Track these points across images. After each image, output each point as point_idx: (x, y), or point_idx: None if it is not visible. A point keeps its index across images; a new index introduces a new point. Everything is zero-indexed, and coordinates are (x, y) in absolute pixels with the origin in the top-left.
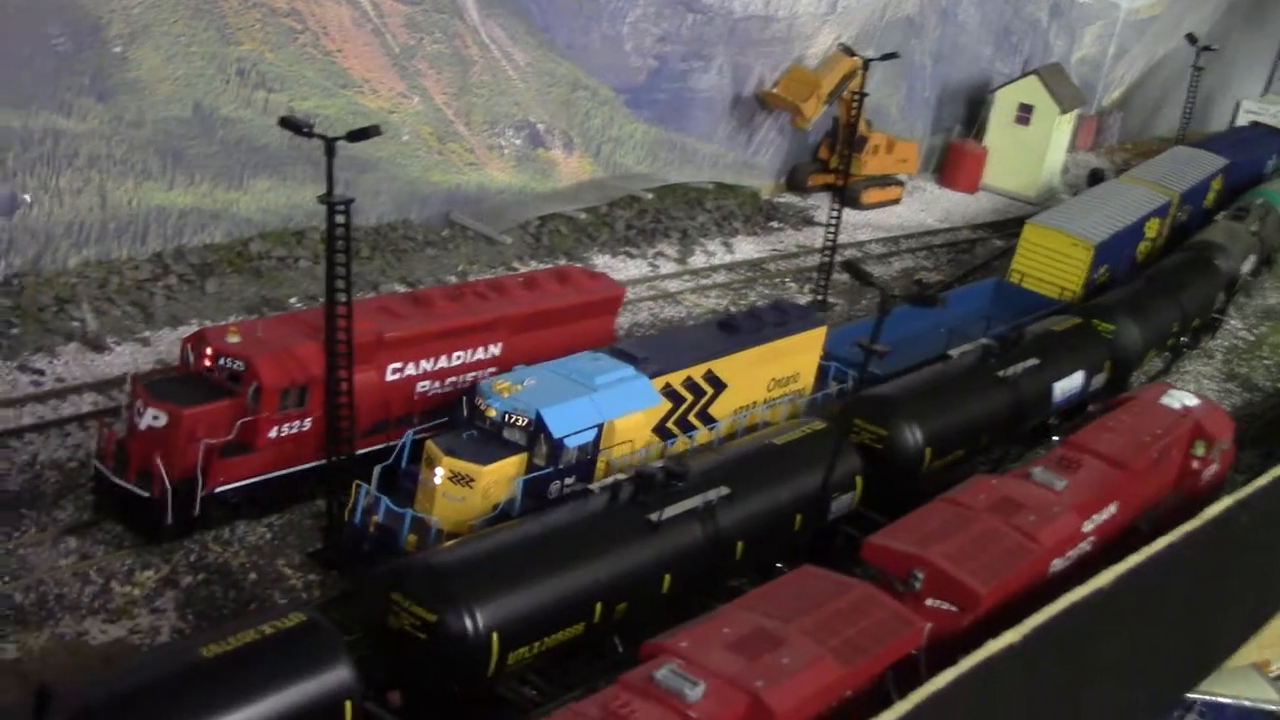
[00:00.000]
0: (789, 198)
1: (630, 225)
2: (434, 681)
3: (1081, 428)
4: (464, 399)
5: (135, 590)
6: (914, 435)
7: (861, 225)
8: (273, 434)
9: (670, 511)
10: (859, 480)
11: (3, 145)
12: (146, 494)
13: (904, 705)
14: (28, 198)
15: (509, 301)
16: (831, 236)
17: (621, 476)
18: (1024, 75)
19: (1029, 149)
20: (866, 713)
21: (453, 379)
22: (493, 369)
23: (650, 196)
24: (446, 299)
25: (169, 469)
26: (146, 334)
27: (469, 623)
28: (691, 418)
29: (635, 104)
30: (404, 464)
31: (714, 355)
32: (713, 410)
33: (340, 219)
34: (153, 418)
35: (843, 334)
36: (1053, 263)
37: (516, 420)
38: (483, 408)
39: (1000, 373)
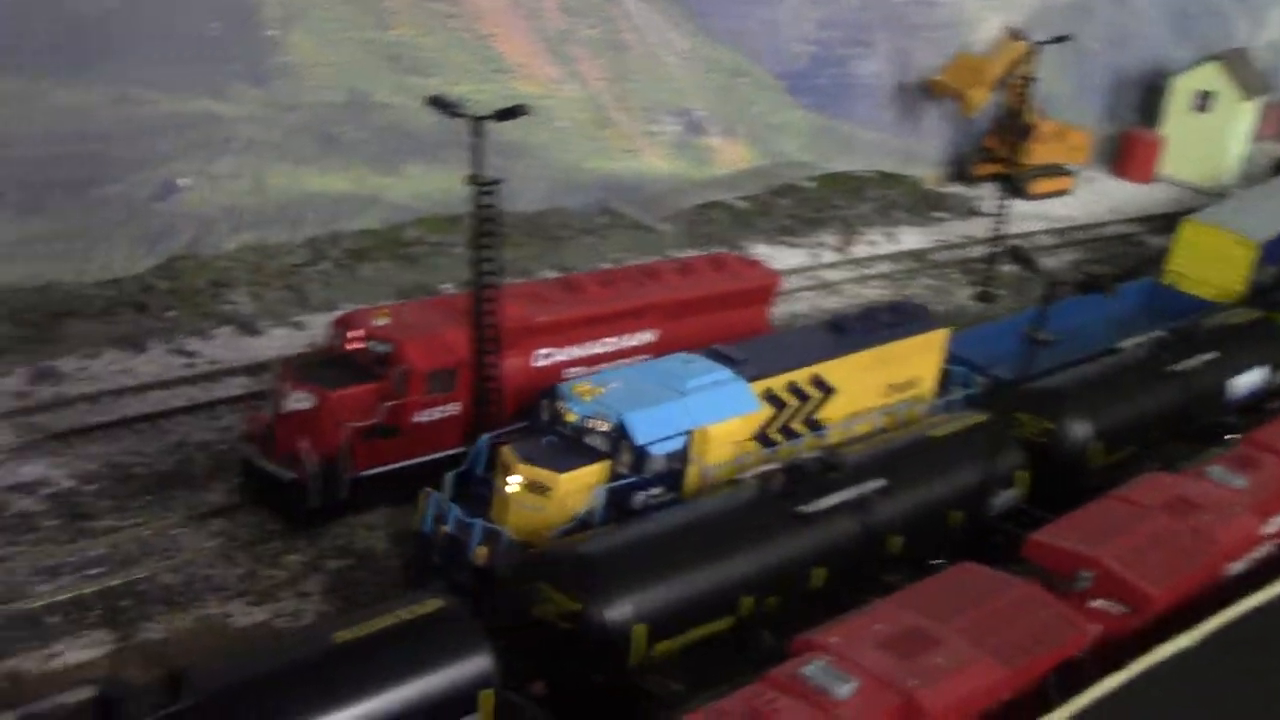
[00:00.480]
0: (954, 188)
1: (790, 214)
2: (577, 671)
3: (1263, 425)
4: (543, 402)
5: (280, 573)
6: (1082, 430)
7: (1029, 216)
8: (419, 418)
9: (823, 504)
10: (1021, 476)
11: (159, 130)
12: (292, 477)
13: (1067, 710)
14: (185, 182)
15: (663, 287)
16: (998, 226)
17: (773, 466)
18: (1204, 60)
19: (1208, 137)
20: (1026, 717)
21: (604, 366)
22: (645, 356)
23: (812, 185)
24: (598, 284)
25: (314, 452)
26: (300, 318)
27: (613, 613)
28: (797, 425)
29: (795, 90)
30: (479, 470)
31: (821, 358)
32: (821, 417)
33: (487, 200)
34: (298, 400)
35: (971, 336)
36: (1212, 263)
37: (598, 426)
38: (562, 412)
39: (1173, 367)
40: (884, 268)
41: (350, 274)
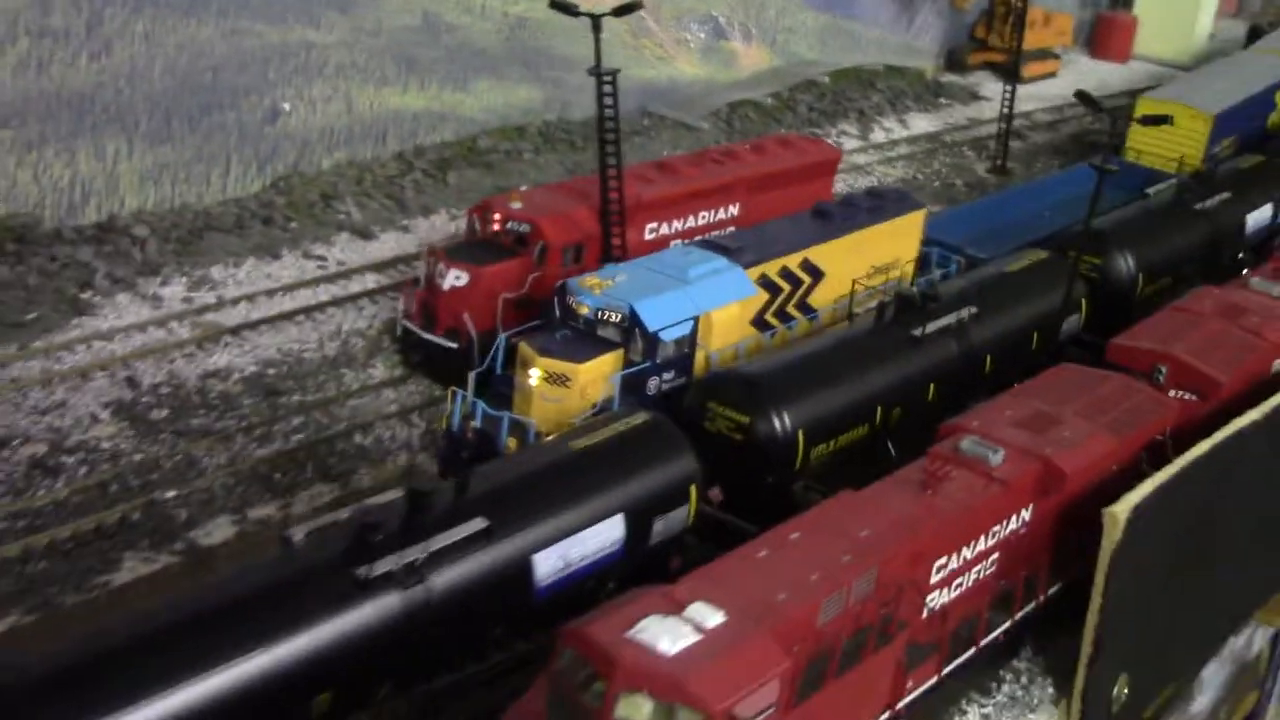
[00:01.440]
0: (951, 76)
1: (811, 107)
2: (749, 475)
3: None
4: (554, 299)
5: None
6: (1128, 263)
7: (1025, 97)
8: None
9: (931, 327)
10: (1085, 303)
11: (265, 59)
12: (454, 345)
13: (1157, 479)
14: (287, 106)
15: (743, 165)
16: (1007, 106)
17: (885, 299)
18: None
19: (1178, 17)
20: (1127, 486)
21: (699, 238)
22: (731, 228)
23: (827, 80)
24: (689, 165)
25: (473, 322)
26: (404, 222)
27: (779, 422)
28: (790, 308)
29: None
30: (499, 369)
31: (809, 243)
32: (812, 300)
33: (608, 90)
34: (455, 278)
35: (943, 219)
36: (1170, 137)
37: (610, 316)
38: (575, 306)
39: (1197, 206)
40: (904, 150)
41: (438, 182)
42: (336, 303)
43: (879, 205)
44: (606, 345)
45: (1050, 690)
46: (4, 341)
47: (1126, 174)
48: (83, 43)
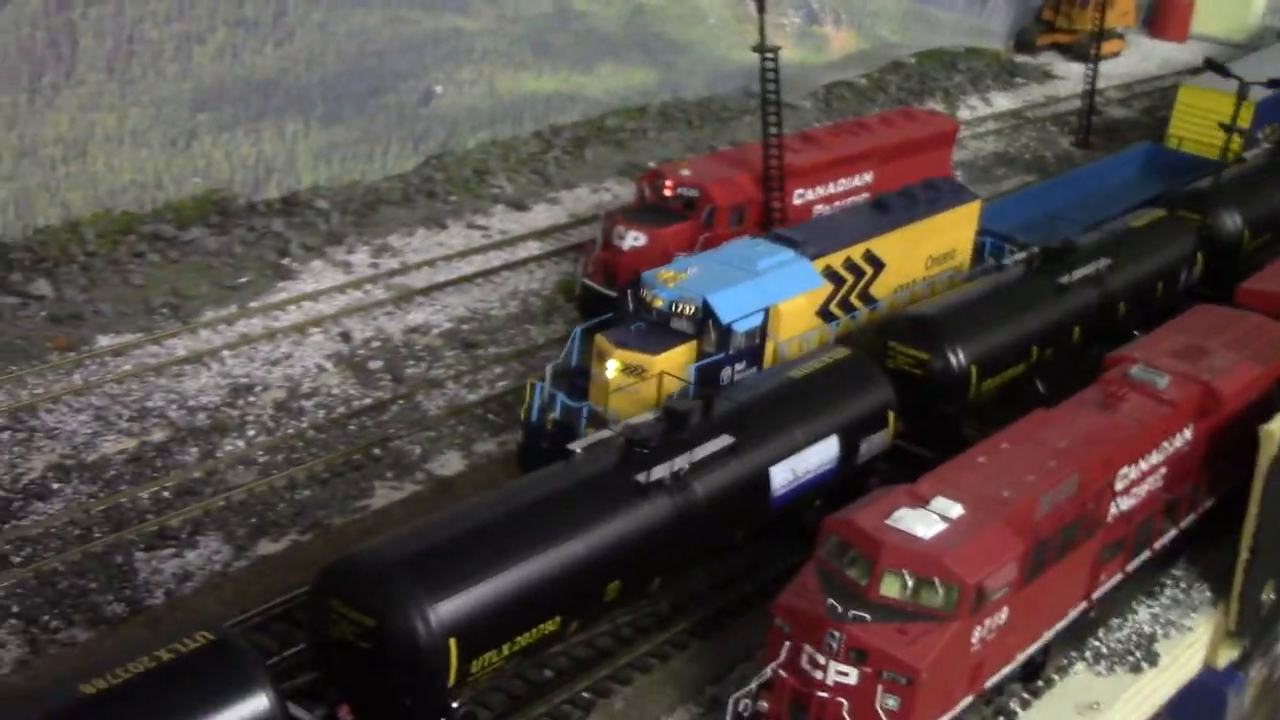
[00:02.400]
0: (1022, 57)
1: (900, 87)
2: (927, 407)
3: None
4: (628, 292)
5: None
6: (1233, 220)
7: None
8: None
9: (1076, 275)
10: (1200, 257)
11: (421, 45)
12: None
13: None
14: (439, 89)
15: (875, 136)
16: (1089, 84)
17: (1032, 250)
18: None
19: None
20: (1273, 409)
21: (837, 203)
22: (865, 194)
23: (913, 61)
24: (829, 136)
25: None
26: (551, 195)
27: (953, 358)
28: (854, 299)
29: None
30: (575, 360)
31: (871, 234)
32: (874, 290)
33: (771, 64)
34: (634, 239)
35: (998, 209)
36: (1212, 124)
37: (684, 309)
38: (649, 299)
39: None
40: (991, 125)
41: (575, 158)
42: (508, 267)
43: (936, 197)
44: (681, 337)
45: (1207, 594)
46: (224, 303)
47: (1174, 160)
48: (269, 31)
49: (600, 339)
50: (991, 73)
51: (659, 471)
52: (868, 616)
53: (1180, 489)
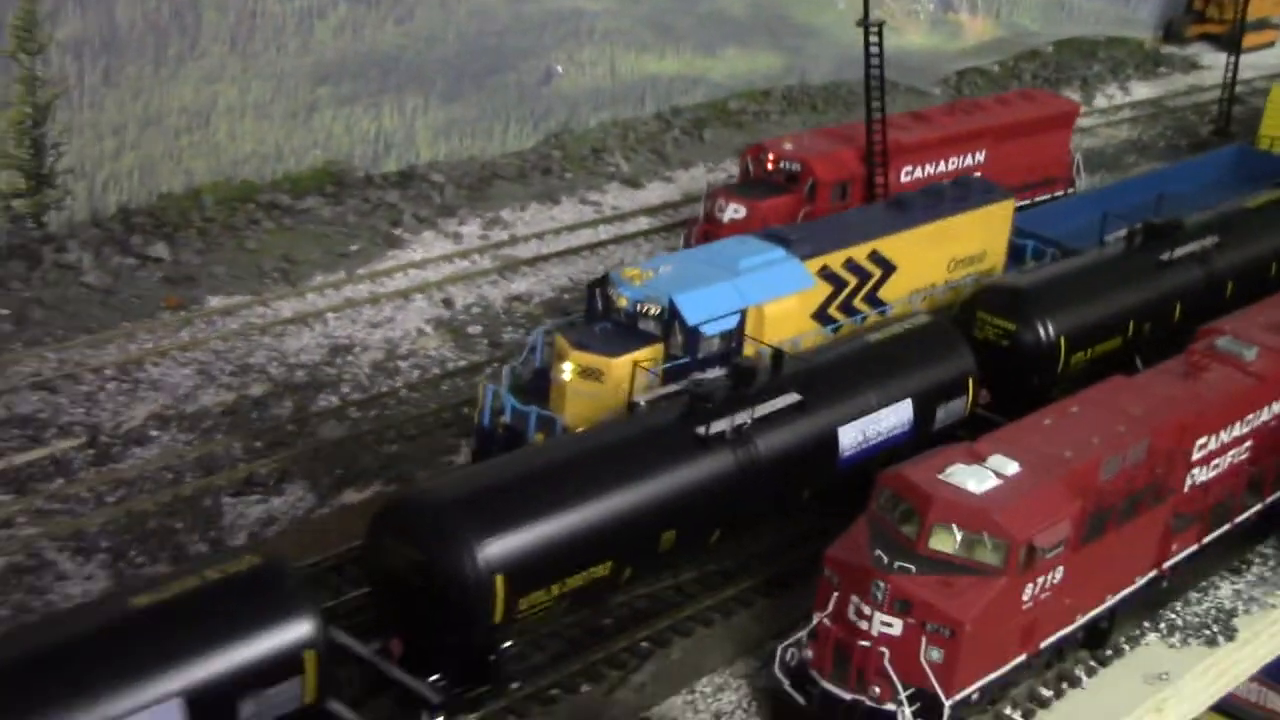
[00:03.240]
0: (1170, 48)
1: (1035, 75)
2: (1013, 378)
3: None
4: (595, 290)
5: None
6: None
7: (1244, 66)
8: None
9: (1178, 253)
10: None
11: (542, 25)
12: None
13: None
14: (560, 69)
15: (989, 116)
16: (1231, 73)
17: (1135, 226)
18: None
19: None
20: None
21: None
22: (978, 174)
23: (1050, 49)
24: (941, 114)
25: None
26: (667, 174)
27: (1042, 330)
28: (858, 302)
29: None
30: (538, 362)
31: (879, 234)
32: (884, 294)
33: (875, 41)
34: (734, 211)
35: (1045, 213)
36: None
37: (649, 309)
38: (615, 298)
39: None
40: (1126, 114)
41: (694, 139)
42: (615, 240)
43: (962, 195)
44: (646, 339)
45: None
46: (333, 269)
47: (1264, 162)
48: (390, 8)
49: (559, 339)
50: (1134, 62)
51: (720, 425)
52: (913, 568)
53: (1266, 464)
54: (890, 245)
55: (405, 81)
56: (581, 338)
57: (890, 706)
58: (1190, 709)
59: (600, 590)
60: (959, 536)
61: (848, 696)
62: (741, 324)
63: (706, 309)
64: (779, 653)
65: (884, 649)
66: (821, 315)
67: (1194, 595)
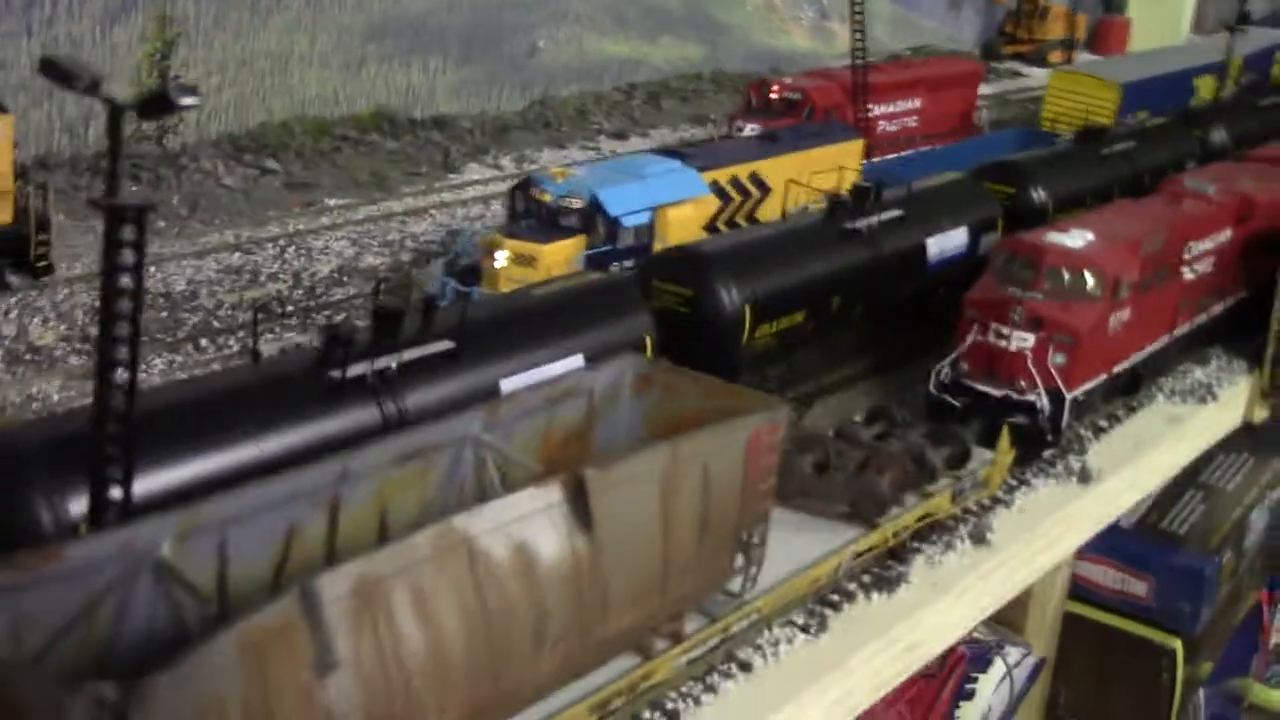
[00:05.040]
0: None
1: None
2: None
3: None
4: (516, 193)
5: None
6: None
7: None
8: None
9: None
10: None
11: (531, 5)
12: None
13: None
14: (541, 44)
15: (924, 69)
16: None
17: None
18: None
19: (1163, 20)
20: None
21: (898, 122)
22: (916, 117)
23: (909, 54)
24: (891, 66)
25: None
26: (642, 132)
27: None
28: (740, 219)
29: None
30: (465, 260)
31: (757, 157)
32: (759, 214)
33: (859, 8)
34: (751, 130)
35: (889, 163)
36: (1082, 107)
37: (572, 203)
38: (538, 195)
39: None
40: (983, 103)
41: (655, 108)
42: None
43: (823, 132)
44: (569, 231)
45: (1245, 364)
46: (413, 183)
47: (1046, 141)
48: None
49: (489, 234)
50: None
51: (860, 223)
52: (1040, 296)
53: (1224, 277)
54: (766, 168)
55: (430, 43)
56: (512, 230)
57: (1031, 398)
58: (1204, 441)
59: (795, 333)
60: (1067, 276)
61: (998, 393)
62: (653, 221)
63: (625, 203)
64: (933, 374)
65: (1026, 353)
66: (711, 228)
67: (1180, 371)
